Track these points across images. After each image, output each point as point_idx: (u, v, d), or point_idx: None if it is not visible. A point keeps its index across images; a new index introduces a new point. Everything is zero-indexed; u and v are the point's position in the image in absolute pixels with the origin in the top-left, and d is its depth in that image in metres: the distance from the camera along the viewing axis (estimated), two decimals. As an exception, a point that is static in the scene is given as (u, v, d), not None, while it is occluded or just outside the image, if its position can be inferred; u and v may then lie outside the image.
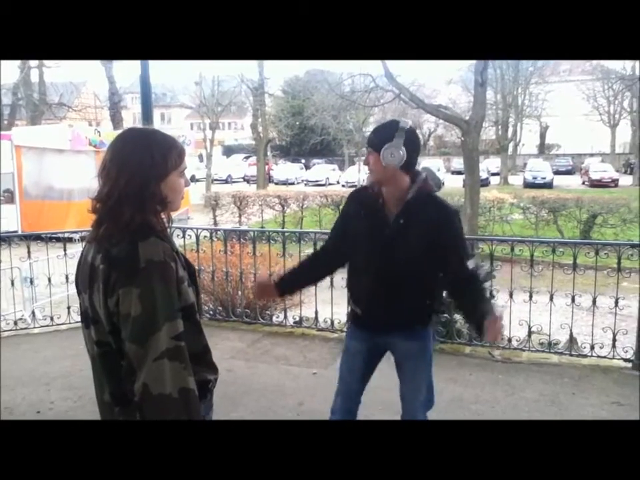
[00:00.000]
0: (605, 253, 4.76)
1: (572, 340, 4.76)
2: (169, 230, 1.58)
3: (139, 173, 1.46)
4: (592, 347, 4.60)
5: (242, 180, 36.33)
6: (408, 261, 2.29)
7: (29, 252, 5.73)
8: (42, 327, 5.73)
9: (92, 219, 1.51)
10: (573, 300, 4.67)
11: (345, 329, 5.24)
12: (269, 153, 35.39)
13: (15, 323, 5.72)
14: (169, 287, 1.42)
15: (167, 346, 1.38)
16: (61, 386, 4.22)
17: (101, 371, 1.54)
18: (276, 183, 33.53)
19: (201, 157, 28.39)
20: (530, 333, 4.77)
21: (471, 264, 2.37)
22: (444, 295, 2.64)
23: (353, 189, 2.58)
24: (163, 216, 1.54)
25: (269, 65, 28.13)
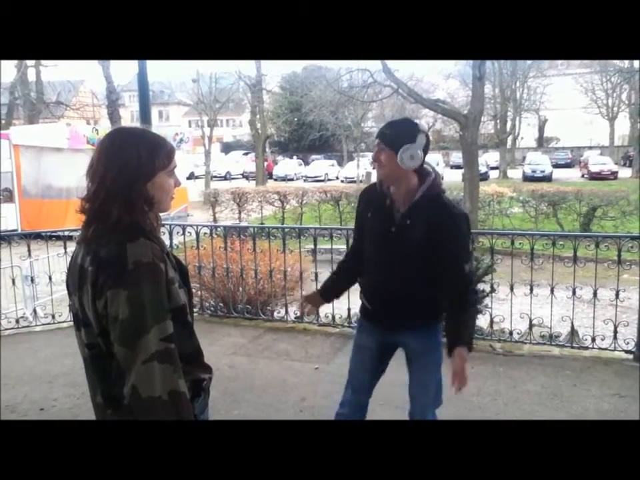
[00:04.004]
0: (605, 246, 4.77)
1: (573, 332, 4.77)
2: (162, 229, 1.57)
3: (125, 172, 1.45)
4: (593, 339, 4.60)
5: (241, 176, 36.33)
6: (412, 259, 2.30)
7: (29, 250, 5.73)
8: (43, 324, 5.74)
9: (81, 219, 1.50)
10: (574, 292, 4.68)
11: (345, 324, 5.25)
12: (267, 150, 35.36)
13: (17, 321, 5.72)
14: (157, 289, 1.40)
15: (157, 348, 1.37)
16: (64, 383, 4.23)
17: (92, 373, 1.53)
18: (275, 179, 33.50)
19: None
20: (531, 325, 4.78)
21: (467, 268, 2.34)
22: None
23: (363, 187, 2.62)
24: (151, 216, 1.51)
25: (267, 61, 28.08)
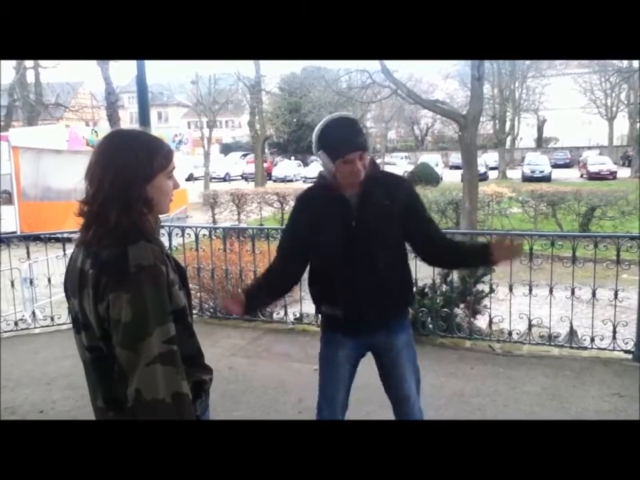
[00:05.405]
0: (604, 246, 4.77)
1: (572, 332, 4.76)
2: (161, 231, 1.57)
3: (123, 174, 1.44)
4: (592, 339, 4.60)
5: (240, 178, 36.31)
6: (385, 235, 2.27)
7: (28, 253, 5.73)
8: (43, 327, 5.73)
9: (80, 222, 1.50)
10: (573, 292, 4.68)
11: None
12: (266, 151, 35.35)
13: (16, 324, 5.71)
14: (159, 291, 1.40)
15: (159, 350, 1.37)
16: (63, 385, 4.22)
17: (93, 377, 1.53)
18: (274, 180, 33.49)
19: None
20: (530, 326, 4.78)
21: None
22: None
23: (301, 195, 2.49)
24: (150, 218, 1.51)
25: (266, 62, 28.12)
